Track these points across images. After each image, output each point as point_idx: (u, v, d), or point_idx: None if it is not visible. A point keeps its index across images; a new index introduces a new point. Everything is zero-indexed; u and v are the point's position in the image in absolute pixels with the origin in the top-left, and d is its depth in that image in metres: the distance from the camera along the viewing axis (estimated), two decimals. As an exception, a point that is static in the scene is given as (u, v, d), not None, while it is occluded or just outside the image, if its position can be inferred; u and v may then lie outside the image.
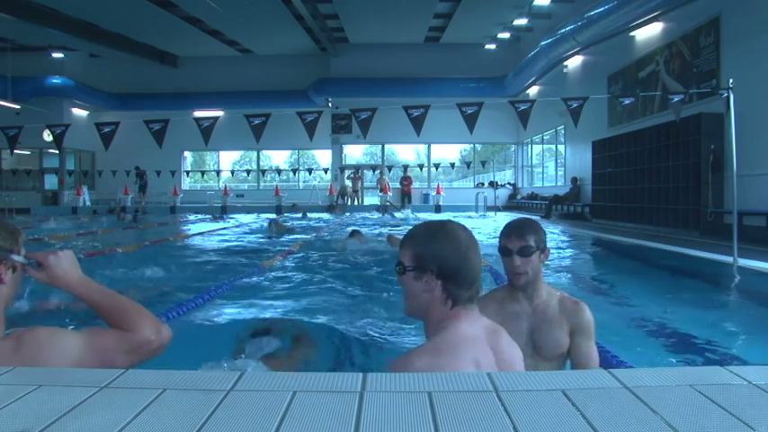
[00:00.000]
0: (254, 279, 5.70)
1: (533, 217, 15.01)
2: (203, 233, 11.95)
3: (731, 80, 6.44)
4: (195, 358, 3.13)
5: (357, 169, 24.31)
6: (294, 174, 27.30)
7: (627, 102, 10.26)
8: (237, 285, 5.28)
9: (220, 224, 14.89)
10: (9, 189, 21.80)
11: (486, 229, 11.20)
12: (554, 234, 10.87)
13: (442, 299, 1.47)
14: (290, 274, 6.15)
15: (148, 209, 20.52)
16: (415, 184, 24.05)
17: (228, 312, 4.23)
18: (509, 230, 2.28)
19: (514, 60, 20.12)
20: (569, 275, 6.10)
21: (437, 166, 23.22)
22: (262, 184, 27.15)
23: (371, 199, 23.81)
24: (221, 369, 2.47)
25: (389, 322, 3.85)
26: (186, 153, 26.89)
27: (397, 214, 17.57)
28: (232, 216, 17.97)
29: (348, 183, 23.87)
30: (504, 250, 2.23)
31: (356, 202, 23.32)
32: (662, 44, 12.09)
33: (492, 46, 21.52)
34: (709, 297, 4.89)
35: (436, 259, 1.45)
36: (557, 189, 18.23)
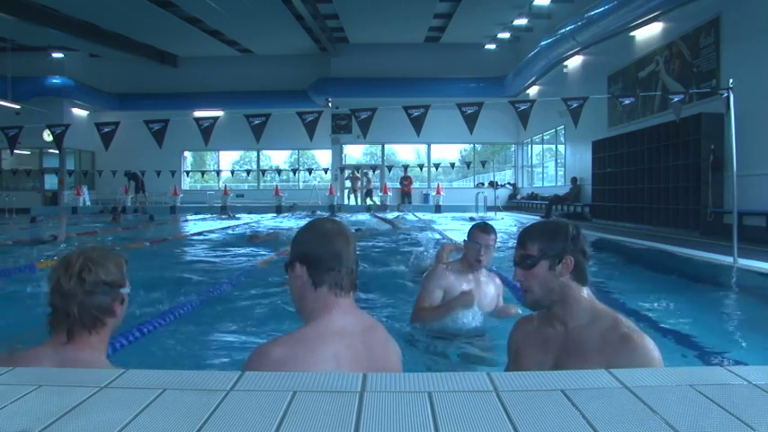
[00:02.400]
0: (252, 279, 5.69)
1: (534, 217, 14.84)
2: (213, 230, 11.97)
3: (731, 80, 6.44)
4: (194, 358, 3.14)
5: (356, 169, 24.29)
6: (294, 174, 27.31)
7: (627, 102, 10.26)
8: (236, 285, 5.28)
9: (233, 222, 15.03)
10: (9, 189, 21.80)
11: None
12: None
13: (309, 284, 1.56)
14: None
15: (148, 209, 20.53)
16: (416, 184, 24.06)
17: (226, 312, 4.23)
18: (483, 228, 2.62)
19: (514, 60, 20.12)
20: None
21: (437, 166, 23.22)
22: (262, 184, 27.15)
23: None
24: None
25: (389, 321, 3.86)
26: (186, 153, 26.89)
27: (390, 215, 17.24)
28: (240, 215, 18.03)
29: (348, 183, 23.95)
30: (473, 241, 2.67)
31: (357, 202, 23.33)
32: (662, 44, 12.09)
33: (492, 46, 21.51)
34: (708, 297, 4.89)
35: (301, 247, 1.60)
36: (557, 189, 18.23)
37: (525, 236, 1.75)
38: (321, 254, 1.56)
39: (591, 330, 1.62)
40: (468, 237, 3.35)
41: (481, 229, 3.29)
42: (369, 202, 22.65)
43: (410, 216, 16.88)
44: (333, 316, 1.53)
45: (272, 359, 1.42)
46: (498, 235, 3.37)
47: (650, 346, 1.53)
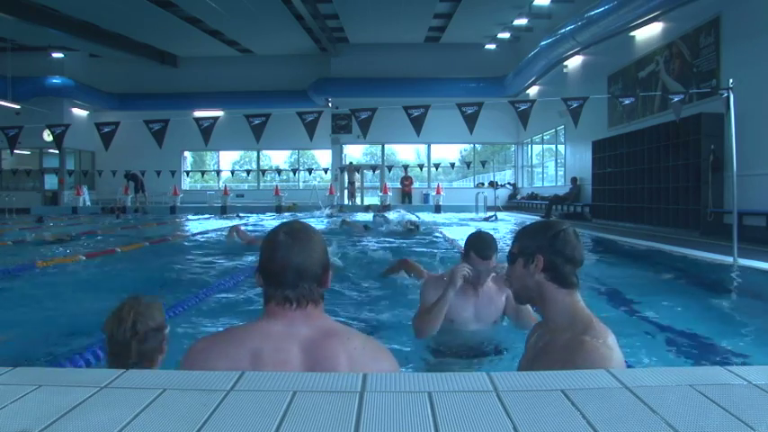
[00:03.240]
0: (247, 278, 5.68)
1: (534, 217, 14.84)
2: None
3: (731, 80, 6.44)
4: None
5: (356, 169, 24.26)
6: (294, 174, 27.31)
7: (627, 102, 10.26)
8: (235, 284, 5.28)
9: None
10: (9, 189, 21.80)
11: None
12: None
13: (264, 296, 1.55)
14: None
15: (147, 209, 20.53)
16: (416, 184, 24.06)
17: (223, 311, 4.23)
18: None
19: (514, 60, 20.12)
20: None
21: (437, 166, 23.22)
22: (262, 184, 27.15)
23: (371, 199, 23.78)
24: None
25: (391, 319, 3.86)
26: (186, 153, 26.89)
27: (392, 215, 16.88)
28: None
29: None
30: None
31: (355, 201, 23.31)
32: (662, 44, 12.09)
33: (492, 46, 21.52)
34: (708, 297, 4.88)
35: (260, 259, 1.56)
36: (557, 189, 18.23)
37: (517, 233, 1.85)
38: (270, 269, 1.51)
39: (563, 335, 1.63)
40: (464, 252, 3.00)
41: (479, 254, 2.90)
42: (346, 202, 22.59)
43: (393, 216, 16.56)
44: (270, 320, 1.50)
45: (194, 350, 1.51)
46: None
47: (603, 353, 1.52)
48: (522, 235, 1.81)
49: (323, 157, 27.67)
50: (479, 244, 2.94)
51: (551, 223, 1.81)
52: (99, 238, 10.49)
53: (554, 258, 1.70)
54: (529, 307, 2.80)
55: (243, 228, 9.64)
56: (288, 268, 1.48)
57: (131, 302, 1.88)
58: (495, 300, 3.08)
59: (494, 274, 2.99)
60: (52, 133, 8.27)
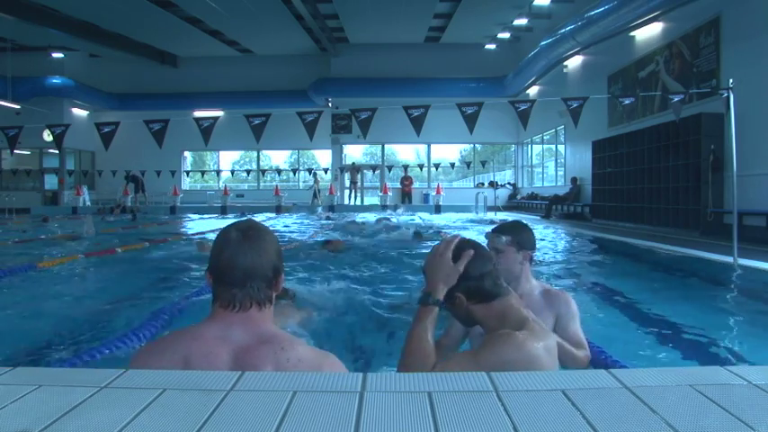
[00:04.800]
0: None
1: (534, 217, 14.78)
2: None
3: (731, 80, 6.44)
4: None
5: (357, 169, 24.28)
6: (294, 174, 27.31)
7: (627, 102, 10.27)
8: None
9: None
10: (9, 189, 21.80)
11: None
12: (553, 234, 10.87)
13: (212, 295, 1.52)
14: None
15: (147, 209, 20.53)
16: (416, 184, 24.06)
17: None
18: (494, 230, 2.49)
19: (514, 60, 20.12)
20: (569, 275, 6.09)
21: (437, 166, 23.22)
22: (262, 184, 27.16)
23: (371, 199, 23.80)
24: None
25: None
26: (186, 153, 26.90)
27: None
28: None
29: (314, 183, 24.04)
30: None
31: (355, 201, 23.32)
32: (662, 44, 12.09)
33: (492, 46, 21.52)
34: (709, 297, 4.88)
35: (210, 257, 1.52)
36: (557, 189, 18.23)
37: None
38: (221, 268, 1.47)
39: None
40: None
41: (493, 229, 2.53)
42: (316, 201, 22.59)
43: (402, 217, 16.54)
44: (208, 324, 1.48)
45: (137, 355, 1.53)
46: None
47: (518, 342, 1.53)
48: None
49: (323, 157, 27.68)
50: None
51: (444, 251, 1.70)
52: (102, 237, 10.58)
53: (470, 286, 1.67)
54: (581, 335, 2.36)
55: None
56: (237, 266, 1.46)
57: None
58: (542, 317, 2.29)
59: (545, 287, 2.49)
60: (52, 133, 8.26)
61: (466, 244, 1.73)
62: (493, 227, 2.57)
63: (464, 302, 1.68)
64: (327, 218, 16.29)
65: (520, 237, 2.40)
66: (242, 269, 1.46)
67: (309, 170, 26.67)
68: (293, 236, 10.88)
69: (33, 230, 11.90)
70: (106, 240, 10.00)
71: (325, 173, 25.07)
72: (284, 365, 1.38)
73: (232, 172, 27.90)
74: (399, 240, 9.40)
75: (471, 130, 7.36)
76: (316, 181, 23.80)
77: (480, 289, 1.67)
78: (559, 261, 7.35)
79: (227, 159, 29.20)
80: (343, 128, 22.87)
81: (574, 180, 16.24)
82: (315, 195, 23.23)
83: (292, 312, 3.46)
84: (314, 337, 3.09)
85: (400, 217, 15.86)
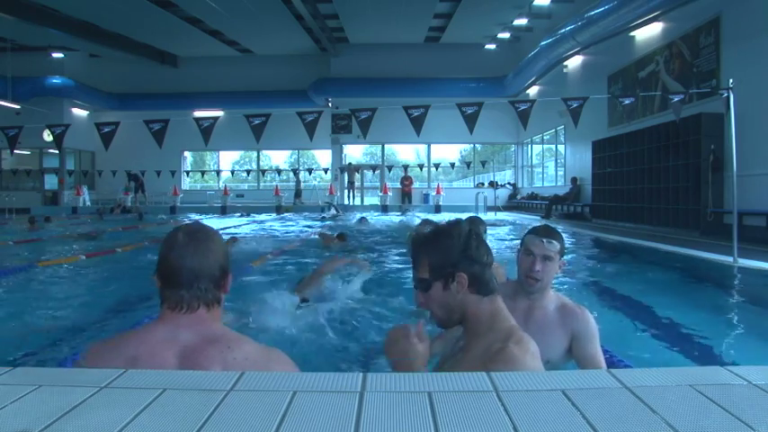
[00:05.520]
0: (245, 279, 5.67)
1: (534, 217, 14.76)
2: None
3: (731, 80, 6.44)
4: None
5: (356, 169, 24.27)
6: (294, 174, 27.32)
7: (627, 102, 10.26)
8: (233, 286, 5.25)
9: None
10: (9, 189, 21.80)
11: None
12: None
13: (160, 297, 1.51)
14: (283, 272, 6.14)
15: (147, 209, 20.53)
16: (416, 185, 24.06)
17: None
18: (539, 233, 2.23)
19: (514, 60, 20.12)
20: (569, 275, 6.10)
21: (437, 166, 23.23)
22: (262, 184, 27.16)
23: (372, 199, 23.80)
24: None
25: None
26: (186, 153, 26.89)
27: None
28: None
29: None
30: (527, 250, 2.20)
31: (353, 201, 23.30)
32: (662, 44, 12.09)
33: (492, 46, 21.52)
34: (709, 297, 4.89)
35: (158, 261, 1.51)
36: (557, 189, 18.23)
37: (416, 250, 1.60)
38: (167, 269, 1.48)
39: (483, 339, 1.52)
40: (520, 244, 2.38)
41: (534, 231, 2.30)
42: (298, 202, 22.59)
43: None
44: (155, 325, 1.49)
45: (86, 354, 1.50)
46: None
47: (526, 362, 1.43)
48: (426, 252, 1.57)
49: (323, 157, 27.68)
50: (535, 229, 2.35)
51: (452, 230, 1.58)
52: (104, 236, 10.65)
53: (474, 270, 1.54)
54: (600, 358, 2.17)
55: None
56: (183, 268, 1.47)
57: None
58: (555, 334, 2.20)
59: (562, 300, 2.29)
60: (52, 133, 8.27)
61: (463, 227, 1.58)
62: (534, 226, 2.31)
63: (464, 286, 1.54)
64: (333, 217, 16.37)
65: (563, 244, 2.23)
66: (189, 270, 1.47)
67: (309, 170, 26.69)
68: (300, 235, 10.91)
69: (21, 234, 11.74)
70: (119, 238, 10.10)
71: (325, 173, 25.09)
72: (231, 364, 1.39)
73: (232, 172, 27.91)
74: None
75: (471, 130, 7.37)
76: (297, 181, 23.86)
77: (482, 277, 1.56)
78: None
79: (227, 159, 29.20)
80: (343, 128, 22.87)
81: (574, 180, 16.24)
82: (297, 194, 23.27)
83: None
84: (320, 332, 3.09)
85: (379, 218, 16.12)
